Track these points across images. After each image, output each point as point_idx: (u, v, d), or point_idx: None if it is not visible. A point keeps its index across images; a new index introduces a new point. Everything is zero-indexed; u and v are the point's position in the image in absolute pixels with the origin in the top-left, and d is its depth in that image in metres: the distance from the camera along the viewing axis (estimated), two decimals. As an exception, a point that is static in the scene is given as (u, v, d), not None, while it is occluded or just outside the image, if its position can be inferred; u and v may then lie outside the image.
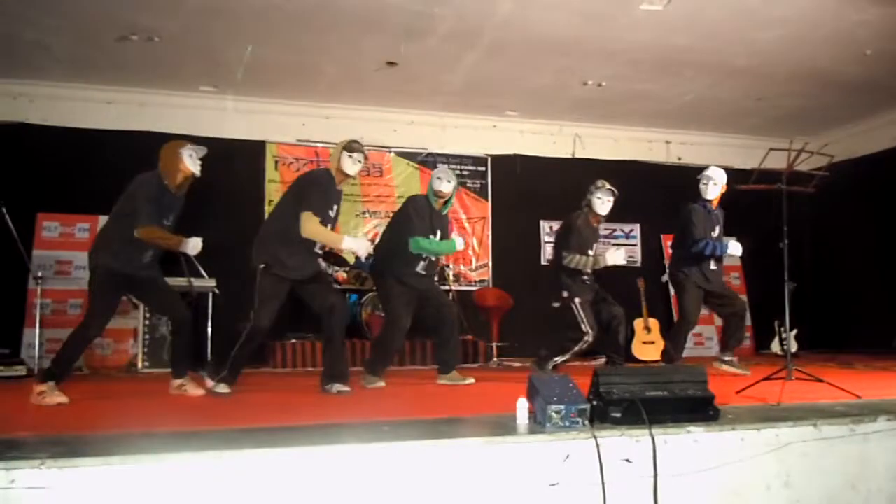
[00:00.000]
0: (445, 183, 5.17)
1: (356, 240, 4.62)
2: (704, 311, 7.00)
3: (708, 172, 5.62)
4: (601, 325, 5.58)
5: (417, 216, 5.11)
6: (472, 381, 5.09)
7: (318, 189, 4.52)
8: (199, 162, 4.41)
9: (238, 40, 6.44)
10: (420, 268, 5.14)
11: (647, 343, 7.35)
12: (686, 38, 6.50)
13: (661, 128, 9.14)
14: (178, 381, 4.50)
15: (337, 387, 4.45)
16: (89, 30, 6.19)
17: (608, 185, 5.61)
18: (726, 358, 5.66)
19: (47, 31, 6.18)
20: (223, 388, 4.45)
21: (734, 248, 5.56)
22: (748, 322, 7.93)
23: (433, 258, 5.25)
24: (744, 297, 7.51)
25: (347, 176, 4.62)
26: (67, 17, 5.94)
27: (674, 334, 5.85)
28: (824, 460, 2.82)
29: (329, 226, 4.57)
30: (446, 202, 5.29)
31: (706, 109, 8.44)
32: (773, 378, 3.83)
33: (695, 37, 6.47)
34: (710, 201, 5.59)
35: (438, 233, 5.20)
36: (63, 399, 4.01)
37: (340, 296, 5.03)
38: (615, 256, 5.56)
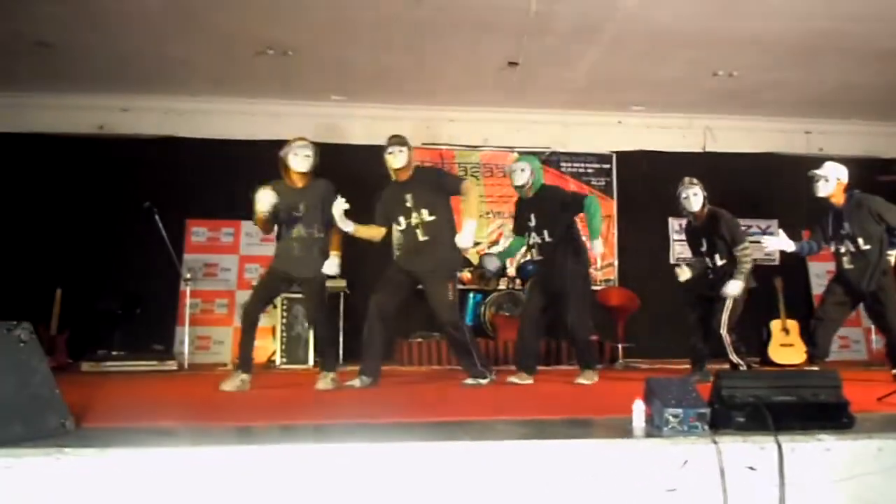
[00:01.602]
0: (518, 174, 5.21)
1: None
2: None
3: (816, 170, 5.25)
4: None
5: (515, 217, 5.46)
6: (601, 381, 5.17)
7: (377, 202, 4.99)
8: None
9: (364, 49, 6.69)
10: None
11: (786, 346, 6.98)
12: (826, 22, 6.11)
13: (800, 117, 8.59)
14: (331, 374, 4.76)
15: (466, 381, 4.88)
16: (229, 47, 6.63)
17: (686, 180, 5.41)
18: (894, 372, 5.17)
19: (192, 50, 6.68)
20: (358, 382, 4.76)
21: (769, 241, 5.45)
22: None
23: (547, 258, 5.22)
24: None
25: (396, 170, 4.90)
26: (209, 36, 6.39)
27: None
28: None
29: (405, 222, 4.84)
30: (532, 186, 5.24)
31: (850, 96, 7.86)
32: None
33: (836, 20, 6.06)
34: (824, 199, 5.22)
35: (533, 217, 5.20)
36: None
37: (442, 301, 4.90)
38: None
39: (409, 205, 4.82)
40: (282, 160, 4.78)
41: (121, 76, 7.25)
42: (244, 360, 4.69)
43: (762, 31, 6.32)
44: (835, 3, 5.78)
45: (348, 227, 4.72)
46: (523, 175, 5.18)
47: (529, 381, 5.08)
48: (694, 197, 5.27)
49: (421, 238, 4.81)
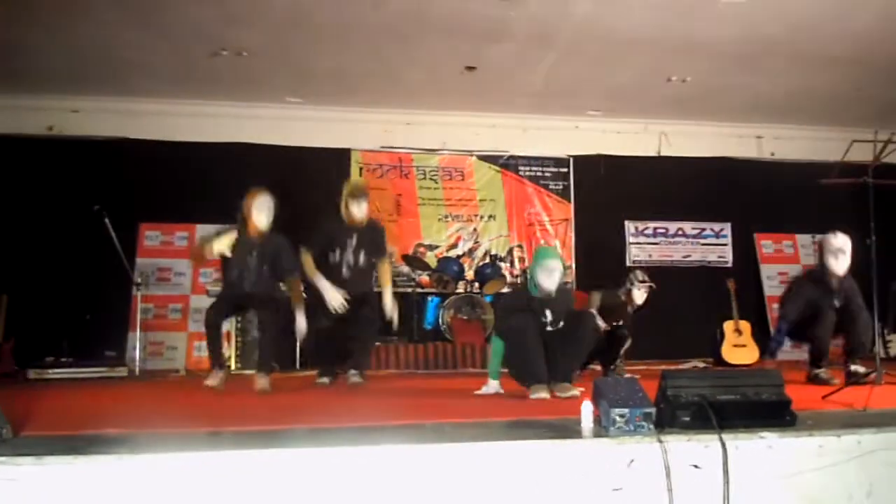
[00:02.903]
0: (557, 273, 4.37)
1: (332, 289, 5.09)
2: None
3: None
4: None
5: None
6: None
7: (318, 231, 5.31)
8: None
9: (321, 52, 6.64)
10: None
11: (738, 346, 7.11)
12: (777, 30, 6.24)
13: (752, 122, 8.77)
14: (268, 376, 4.88)
15: (355, 379, 5.18)
16: (182, 47, 6.52)
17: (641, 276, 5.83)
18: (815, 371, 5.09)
19: (145, 51, 6.55)
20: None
21: None
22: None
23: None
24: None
25: (355, 219, 5.23)
26: (162, 36, 6.28)
27: None
28: (912, 470, 2.65)
29: (340, 255, 5.21)
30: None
31: (801, 102, 8.03)
32: (861, 383, 3.64)
33: (787, 28, 6.19)
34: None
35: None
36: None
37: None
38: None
39: (350, 242, 5.24)
40: (244, 211, 4.98)
41: (71, 76, 7.08)
42: (216, 358, 4.97)
43: (714, 39, 6.42)
44: (785, 11, 5.90)
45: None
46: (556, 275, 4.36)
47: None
48: (644, 293, 5.77)
49: (345, 275, 5.21)
